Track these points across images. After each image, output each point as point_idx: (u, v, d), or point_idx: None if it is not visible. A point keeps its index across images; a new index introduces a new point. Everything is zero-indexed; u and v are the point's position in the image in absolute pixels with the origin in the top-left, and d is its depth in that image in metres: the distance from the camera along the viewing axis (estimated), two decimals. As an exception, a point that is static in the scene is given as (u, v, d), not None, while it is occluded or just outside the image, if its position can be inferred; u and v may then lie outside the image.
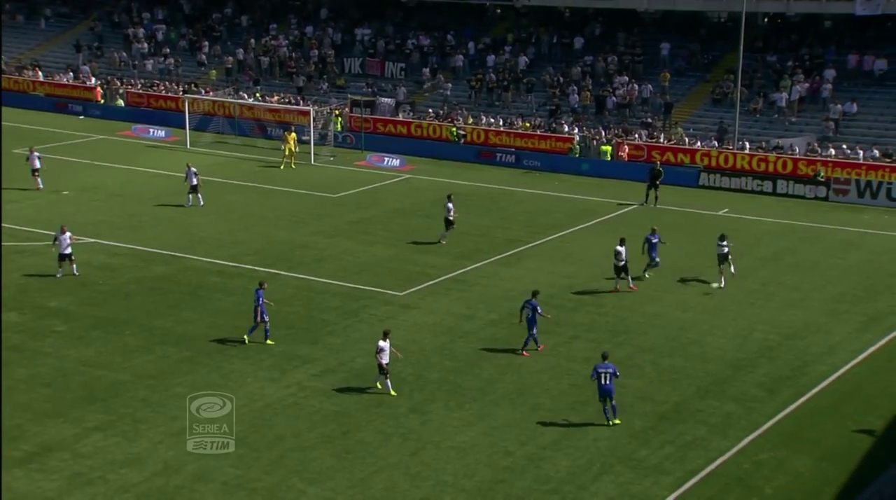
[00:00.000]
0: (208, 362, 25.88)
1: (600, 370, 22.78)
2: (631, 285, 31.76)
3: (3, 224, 34.61)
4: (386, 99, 56.27)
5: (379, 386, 24.35)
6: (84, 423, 22.44)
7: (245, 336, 27.16)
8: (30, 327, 27.80)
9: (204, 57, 64.29)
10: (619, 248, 31.48)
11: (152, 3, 70.49)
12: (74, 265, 31.77)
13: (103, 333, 27.57)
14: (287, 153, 48.30)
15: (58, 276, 31.49)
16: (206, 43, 65.41)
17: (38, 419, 22.56)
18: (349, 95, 56.84)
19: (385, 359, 24.04)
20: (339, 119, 54.91)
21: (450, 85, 57.60)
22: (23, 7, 73.02)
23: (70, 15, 72.46)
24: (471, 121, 53.34)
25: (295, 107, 55.46)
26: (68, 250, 31.45)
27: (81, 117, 59.62)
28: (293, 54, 62.85)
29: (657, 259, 32.69)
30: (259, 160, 49.60)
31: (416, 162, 50.28)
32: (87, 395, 23.84)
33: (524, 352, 26.74)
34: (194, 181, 40.38)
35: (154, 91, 60.67)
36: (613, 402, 22.90)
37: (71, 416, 22.78)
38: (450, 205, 36.39)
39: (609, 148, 49.39)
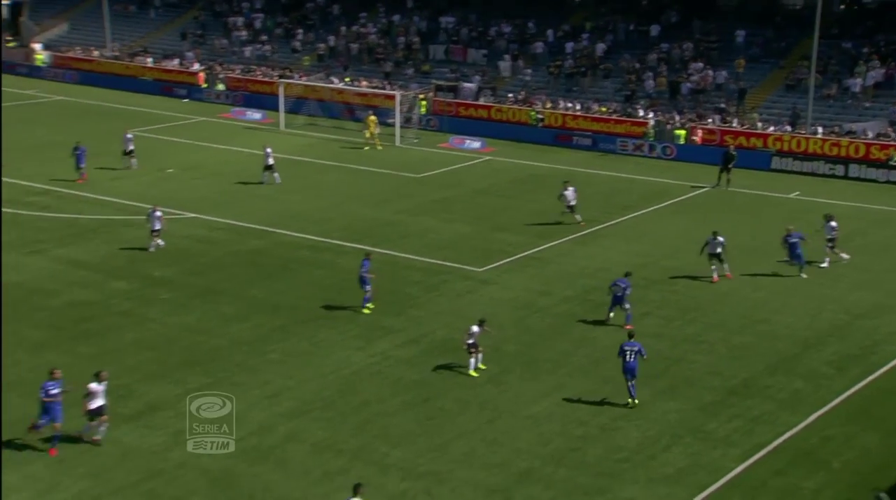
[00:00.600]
0: (299, 330, 26.24)
1: (626, 348, 22.24)
2: (727, 273, 30.35)
3: (110, 199, 35.55)
4: (468, 84, 56.09)
5: (474, 374, 23.61)
6: (186, 384, 22.96)
7: (363, 308, 27.24)
8: (137, 295, 28.51)
9: (298, 44, 64.85)
10: (720, 238, 30.02)
11: (251, -7, 71.28)
12: (159, 240, 32.18)
13: (203, 301, 28.13)
14: (368, 136, 48.46)
15: (150, 250, 32.11)
16: (300, 31, 65.97)
17: (145, 379, 23.15)
18: (433, 81, 56.82)
19: (470, 340, 23.74)
20: (424, 103, 54.91)
21: (529, 71, 57.19)
22: (135, -2, 74.71)
23: (177, 5, 73.61)
24: (549, 105, 52.89)
25: (382, 91, 55.61)
26: (157, 226, 32.00)
27: (185, 100, 60.67)
28: (381, 41, 63.02)
29: (802, 258, 30.62)
30: (348, 142, 49.93)
31: (495, 144, 50.07)
32: (189, 358, 24.37)
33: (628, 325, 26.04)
34: (270, 161, 40.73)
35: (251, 76, 61.41)
36: (635, 381, 22.19)
37: (174, 377, 23.32)
38: (570, 190, 35.49)
39: (683, 132, 48.55)
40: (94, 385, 19.93)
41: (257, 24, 68.04)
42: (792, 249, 30.92)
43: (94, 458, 19.45)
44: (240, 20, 68.50)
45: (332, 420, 21.48)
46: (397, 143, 49.97)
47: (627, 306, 26.74)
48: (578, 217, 35.66)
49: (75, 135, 49.29)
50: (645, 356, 22.41)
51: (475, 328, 23.89)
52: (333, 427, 21.20)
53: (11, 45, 72.21)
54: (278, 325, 26.56)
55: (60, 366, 23.08)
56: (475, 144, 49.78)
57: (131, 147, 42.53)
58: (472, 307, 28.11)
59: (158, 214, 32.16)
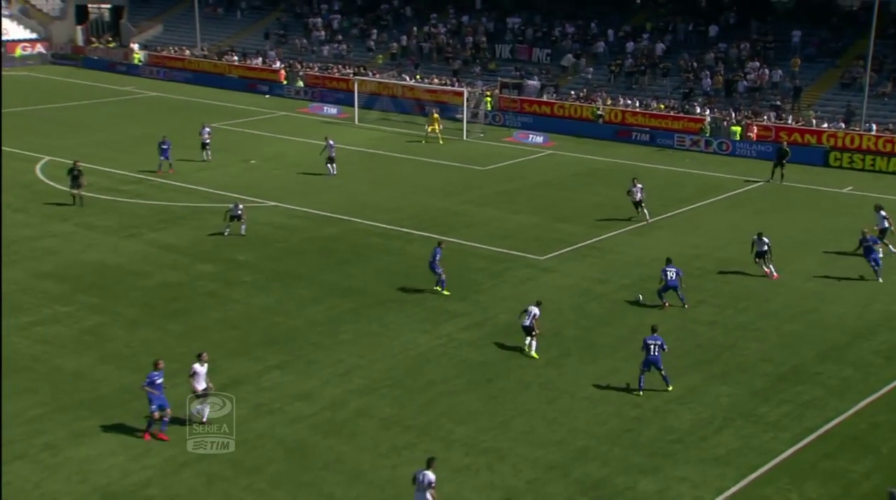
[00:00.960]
0: (369, 313, 26.41)
1: (649, 342, 21.73)
2: (774, 274, 29.15)
3: (198, 188, 36.12)
4: (532, 82, 55.75)
5: (529, 351, 23.67)
6: (265, 361, 23.29)
7: (440, 289, 27.43)
8: (222, 277, 28.97)
9: (372, 43, 65.12)
10: (765, 239, 29.13)
11: (329, -4, 71.74)
12: (244, 226, 32.63)
13: (281, 284, 28.48)
14: (430, 130, 48.37)
15: (224, 233, 32.43)
16: (375, 31, 66.22)
17: (228, 355, 23.54)
18: (499, 78, 56.59)
19: (526, 322, 23.71)
20: (490, 99, 54.75)
21: (591, 69, 56.61)
22: (223, 0, 75.59)
23: (261, 7, 74.49)
24: (609, 102, 52.29)
25: (450, 88, 55.58)
26: (239, 213, 32.43)
27: (267, 96, 61.37)
28: (450, 41, 62.96)
29: (880, 262, 29.19)
30: (417, 136, 50.00)
31: (558, 139, 49.71)
32: (268, 337, 24.70)
33: (666, 303, 26.08)
34: (332, 153, 40.86)
35: (328, 73, 61.86)
36: (663, 371, 21.80)
37: (255, 355, 23.67)
38: (637, 187, 34.78)
39: (738, 128, 47.60)
40: (196, 366, 19.96)
41: (335, 25, 68.49)
42: (867, 253, 29.34)
43: (181, 426, 19.85)
44: (318, 21, 69.04)
45: (400, 398, 21.60)
46: (464, 137, 49.90)
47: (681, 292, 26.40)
48: (646, 211, 34.83)
49: (167, 128, 50.25)
50: (666, 350, 21.93)
51: (534, 308, 23.72)
52: (401, 404, 21.31)
53: (112, 45, 73.87)
54: (350, 307, 26.77)
55: (152, 342, 23.67)
56: (538, 138, 49.49)
57: (207, 140, 42.88)
58: (534, 293, 27.96)
59: (240, 205, 32.63)
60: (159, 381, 19.79)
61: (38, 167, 40.20)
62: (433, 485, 16.62)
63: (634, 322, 25.91)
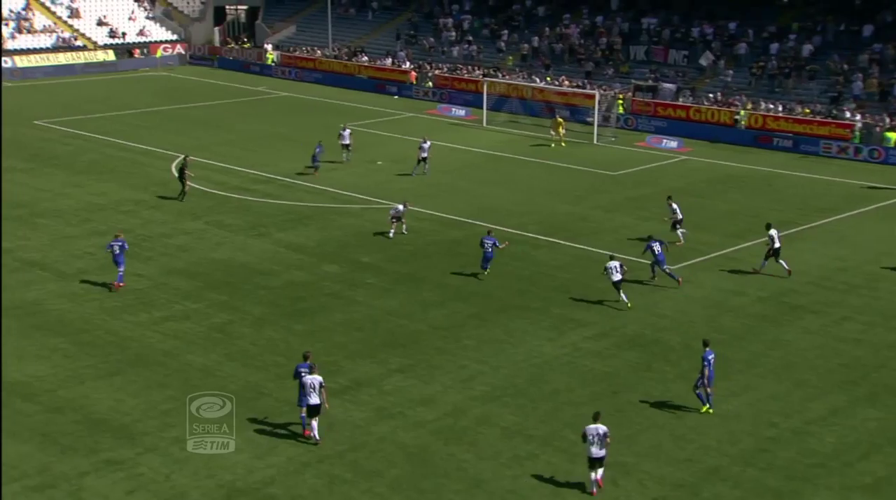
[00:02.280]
0: (493, 319, 26.43)
1: (710, 358, 20.84)
2: None
3: (325, 189, 36.85)
4: (667, 84, 54.69)
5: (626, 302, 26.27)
6: (388, 364, 23.62)
7: (484, 272, 28.90)
8: (346, 278, 29.55)
9: (503, 44, 65.20)
10: None
11: (460, -4, 72.24)
12: (405, 225, 33.38)
13: (406, 287, 28.82)
14: (554, 134, 47.92)
15: (390, 235, 33.05)
16: (506, 31, 66.29)
17: (351, 357, 23.97)
18: (633, 80, 55.75)
19: (616, 277, 26.40)
20: (622, 103, 54.02)
21: (731, 72, 55.06)
22: (355, 1, 77.14)
23: (392, 8, 75.61)
24: (749, 106, 50.72)
25: (582, 90, 55.10)
26: (400, 214, 33.03)
27: (396, 97, 62.29)
28: (583, 42, 62.43)
29: None
30: (546, 139, 49.76)
31: (692, 144, 48.62)
32: (391, 340, 25.04)
33: None
34: (424, 154, 41.22)
35: (458, 75, 62.30)
36: (709, 390, 20.94)
37: (378, 357, 24.02)
38: (673, 205, 33.92)
39: (893, 135, 45.39)
40: (308, 378, 19.64)
41: (465, 25, 68.91)
42: None
43: (298, 427, 20.31)
44: (449, 21, 69.59)
45: (523, 407, 21.52)
46: (595, 141, 49.39)
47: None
48: (681, 232, 32.70)
49: (297, 128, 51.68)
50: (707, 375, 20.94)
51: (399, 207, 27.96)
52: (524, 413, 21.23)
53: (247, 45, 76.54)
54: (474, 312, 26.86)
55: (276, 341, 24.37)
56: (672, 143, 48.53)
57: (348, 141, 43.69)
58: (664, 303, 27.47)
59: (400, 207, 33.13)
60: (306, 375, 19.56)
61: (173, 166, 41.99)
62: (608, 435, 18.02)
63: (771, 338, 25.07)
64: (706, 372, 20.83)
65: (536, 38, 64.01)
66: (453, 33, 68.27)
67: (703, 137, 49.78)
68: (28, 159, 43.58)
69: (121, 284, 27.97)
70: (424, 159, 41.54)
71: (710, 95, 53.21)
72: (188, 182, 37.34)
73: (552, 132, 48.35)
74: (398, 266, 30.65)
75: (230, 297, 27.85)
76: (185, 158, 38.97)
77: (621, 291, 26.89)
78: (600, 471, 18.23)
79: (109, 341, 24.64)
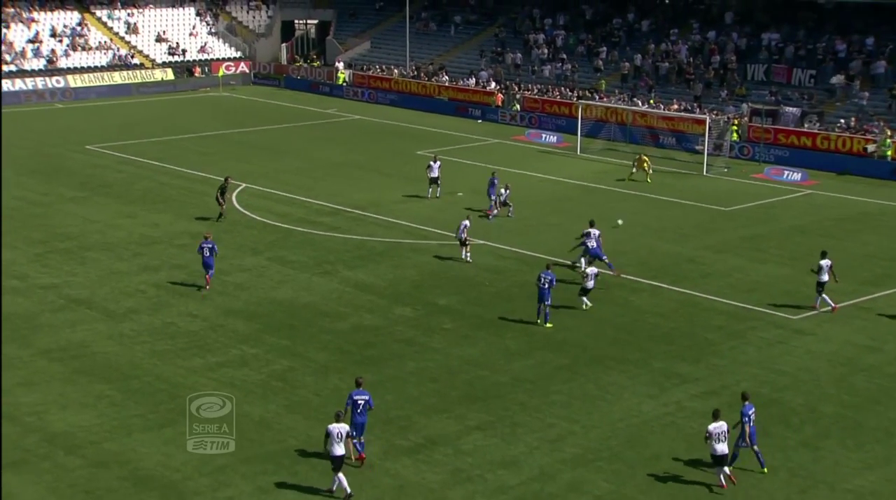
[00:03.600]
0: (586, 371, 26.28)
1: (749, 413, 21.22)
2: None
3: (399, 222, 37.25)
4: (791, 108, 53.99)
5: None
6: (466, 420, 23.64)
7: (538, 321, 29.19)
8: (421, 323, 29.73)
9: (601, 62, 65.26)
10: None
11: (555, 9, 72.66)
12: (468, 253, 34.73)
13: (487, 333, 28.87)
14: (636, 172, 46.94)
15: (467, 259, 34.57)
16: (605, 48, 66.39)
17: (425, 412, 24.08)
18: (749, 104, 55.22)
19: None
20: (737, 128, 53.49)
21: (867, 94, 54.09)
22: (436, 15, 78.23)
23: (478, 22, 76.42)
24: (889, 133, 49.69)
25: (690, 115, 54.78)
26: (463, 237, 34.59)
27: (479, 121, 62.81)
28: (692, 60, 62.16)
29: None
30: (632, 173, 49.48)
31: (819, 177, 47.84)
32: (470, 393, 25.08)
33: None
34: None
35: (549, 97, 62.57)
36: (755, 447, 21.19)
37: (455, 412, 24.07)
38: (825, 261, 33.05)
39: None
40: (334, 427, 20.29)
41: (559, 42, 69.25)
42: None
43: (372, 489, 20.43)
44: (541, 37, 69.97)
45: (619, 473, 21.29)
46: (704, 172, 48.97)
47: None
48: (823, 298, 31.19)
49: (369, 155, 52.45)
50: (749, 427, 21.33)
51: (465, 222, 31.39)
52: (620, 480, 21.00)
53: (316, 63, 78.21)
54: (564, 364, 26.75)
55: (343, 391, 24.59)
56: (795, 175, 47.83)
57: (436, 173, 43.52)
58: (783, 359, 26.96)
59: (467, 223, 34.92)
60: (361, 400, 21.29)
61: (233, 195, 42.98)
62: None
63: (911, 402, 24.39)
64: (746, 429, 21.09)
65: (639, 55, 64.00)
66: (545, 50, 68.66)
67: (833, 169, 48.92)
68: (78, 187, 45.14)
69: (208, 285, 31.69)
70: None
71: (842, 121, 52.35)
72: (224, 205, 39.20)
73: (634, 170, 47.30)
74: (479, 310, 30.73)
75: (292, 341, 28.26)
76: (225, 180, 40.10)
77: (586, 297, 30.03)
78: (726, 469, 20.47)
79: (160, 388, 25.21)
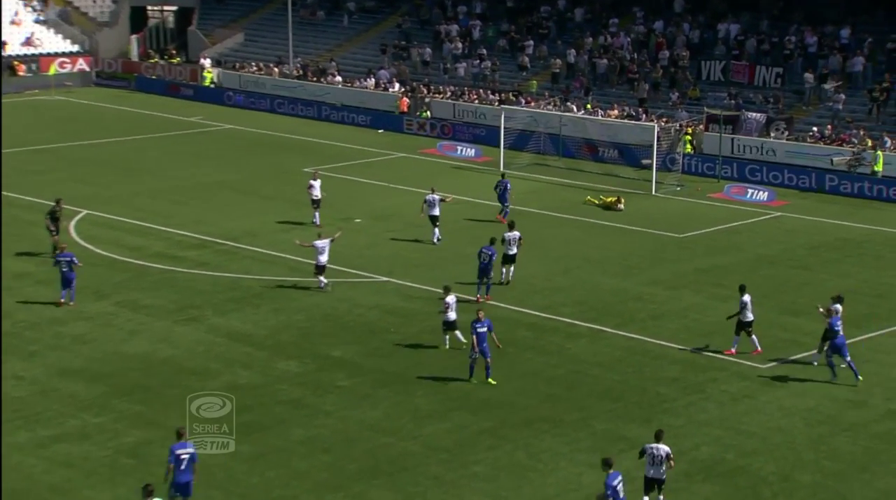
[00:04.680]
0: (514, 436, 26.34)
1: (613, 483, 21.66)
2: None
3: (281, 256, 37.04)
4: (754, 114, 55.29)
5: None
6: (366, 499, 23.50)
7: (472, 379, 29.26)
8: (310, 380, 29.51)
9: (527, 59, 65.98)
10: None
11: (470, -5, 73.29)
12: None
13: (392, 392, 28.77)
14: (595, 200, 47.67)
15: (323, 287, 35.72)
16: (531, 42, 67.06)
17: (316, 490, 23.85)
18: (705, 109, 56.38)
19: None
20: (691, 139, 54.55)
21: (842, 96, 55.67)
22: (325, 1, 78.08)
23: (376, 10, 76.46)
24: (869, 143, 51.15)
25: (635, 122, 55.69)
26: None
27: (380, 131, 62.87)
28: (636, 56, 63.25)
29: None
30: (586, 188, 50.11)
31: (789, 196, 48.98)
32: (371, 466, 24.93)
33: None
34: (434, 211, 41.52)
35: (465, 101, 62.98)
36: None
37: (353, 490, 23.90)
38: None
39: None
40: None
41: (476, 34, 69.77)
42: None
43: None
44: (454, 29, 70.40)
45: (555, 560, 21.36)
46: (653, 191, 49.76)
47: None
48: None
49: (244, 173, 52.06)
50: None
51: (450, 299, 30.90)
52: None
53: (176, 60, 77.49)
54: (487, 427, 26.77)
55: (212, 468, 24.25)
56: (761, 194, 48.89)
57: (318, 195, 43.66)
58: (751, 417, 27.40)
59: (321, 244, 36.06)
60: (185, 455, 21.51)
61: (71, 225, 42.25)
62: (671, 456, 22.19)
63: (903, 466, 25.00)
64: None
65: (572, 51, 64.87)
66: (459, 45, 69.12)
67: (805, 187, 50.15)
68: None
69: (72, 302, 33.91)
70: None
71: (814, 129, 53.73)
72: (57, 235, 38.40)
73: (606, 199, 47.38)
74: (382, 362, 30.65)
75: (147, 407, 27.80)
76: (57, 202, 39.43)
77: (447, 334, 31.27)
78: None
79: (-24, 468, 24.53)
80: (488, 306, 34.10)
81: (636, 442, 25.98)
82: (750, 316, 31.09)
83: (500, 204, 44.74)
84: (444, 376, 29.67)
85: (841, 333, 29.57)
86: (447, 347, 31.12)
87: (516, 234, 36.60)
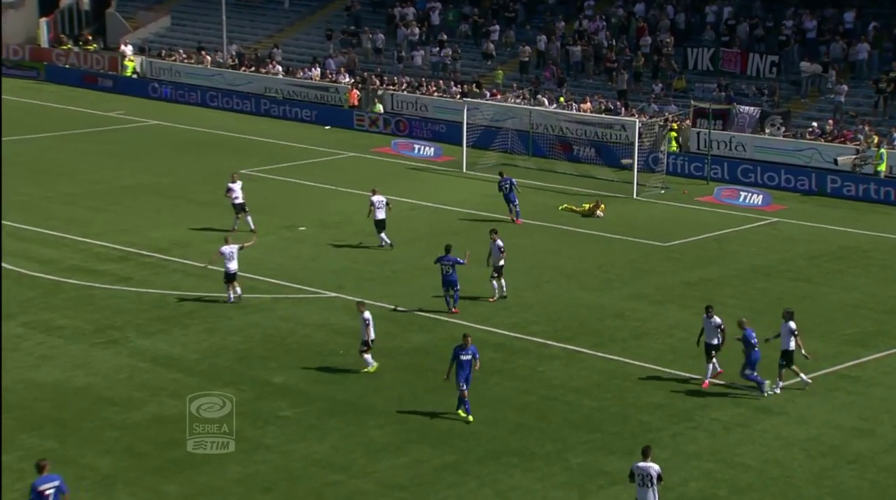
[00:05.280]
0: (479, 471, 26.32)
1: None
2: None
3: (215, 269, 36.93)
4: (746, 108, 55.58)
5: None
6: (311, 546, 23.50)
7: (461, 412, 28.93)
8: (249, 410, 29.29)
9: (492, 46, 66.10)
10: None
11: (427, -26, 73.42)
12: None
13: (341, 422, 28.67)
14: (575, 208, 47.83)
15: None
16: (497, 27, 67.19)
17: (251, 535, 23.82)
18: (692, 102, 56.65)
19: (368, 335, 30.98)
20: (676, 135, 54.79)
21: (845, 87, 56.12)
22: (263, -20, 78.21)
23: (320, -9, 76.68)
24: (876, 140, 51.53)
25: (613, 117, 55.86)
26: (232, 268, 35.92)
27: (327, 128, 62.83)
28: (615, 43, 63.46)
29: None
30: (560, 191, 50.19)
31: (786, 199, 49.30)
32: (317, 507, 24.91)
33: None
34: (380, 215, 41.74)
35: (424, 93, 63.00)
36: None
37: (294, 535, 23.89)
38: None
39: None
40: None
41: (434, 18, 69.83)
42: None
43: None
44: (410, 12, 70.48)
45: None
46: (635, 194, 49.92)
47: None
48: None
49: (172, 175, 51.82)
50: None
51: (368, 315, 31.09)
52: None
53: (93, 47, 77.07)
54: (449, 462, 26.75)
55: (136, 509, 24.09)
56: (755, 197, 49.13)
57: (239, 199, 43.56)
58: (745, 448, 27.50)
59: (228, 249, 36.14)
60: (49, 490, 21.21)
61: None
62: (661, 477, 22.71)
63: (916, 502, 25.18)
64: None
65: (543, 37, 65.02)
66: (416, 30, 69.20)
67: (803, 189, 50.53)
68: None
69: None
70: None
71: (814, 124, 54.08)
72: None
73: (586, 207, 47.27)
74: (330, 389, 30.59)
75: (60, 443, 27.57)
76: None
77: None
78: None
79: None
80: (446, 323, 34.12)
81: (617, 477, 26.07)
82: (716, 340, 30.92)
83: (507, 206, 45.41)
84: (400, 404, 29.60)
85: (757, 347, 29.97)
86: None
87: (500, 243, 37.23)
